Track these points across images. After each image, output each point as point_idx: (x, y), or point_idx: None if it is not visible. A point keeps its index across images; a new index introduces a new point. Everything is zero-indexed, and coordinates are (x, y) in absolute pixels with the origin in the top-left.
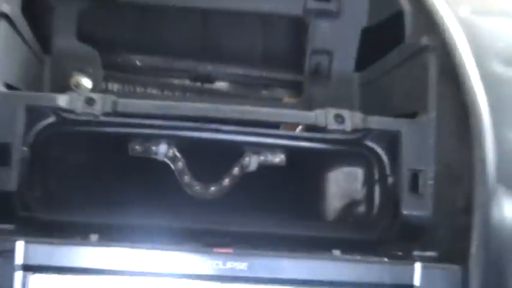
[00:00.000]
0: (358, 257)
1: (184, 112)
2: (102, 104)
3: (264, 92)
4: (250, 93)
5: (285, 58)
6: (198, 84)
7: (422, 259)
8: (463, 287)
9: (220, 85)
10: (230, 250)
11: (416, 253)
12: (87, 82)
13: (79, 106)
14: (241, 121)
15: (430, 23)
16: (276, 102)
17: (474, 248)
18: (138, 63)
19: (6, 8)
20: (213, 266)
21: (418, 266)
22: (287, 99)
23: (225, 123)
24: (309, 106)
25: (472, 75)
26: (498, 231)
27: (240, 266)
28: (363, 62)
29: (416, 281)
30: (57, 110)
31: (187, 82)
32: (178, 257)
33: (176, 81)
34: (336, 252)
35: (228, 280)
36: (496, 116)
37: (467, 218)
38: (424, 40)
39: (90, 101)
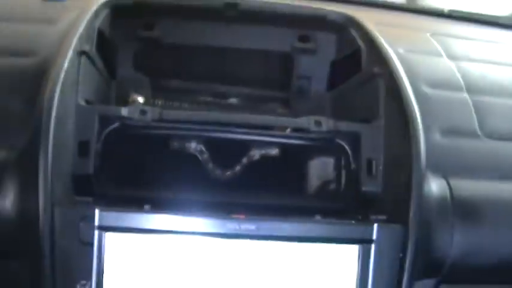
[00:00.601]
0: (333, 220)
1: (208, 119)
2: (151, 114)
3: (263, 106)
4: (254, 107)
5: (278, 82)
6: (217, 100)
7: (376, 221)
8: (404, 240)
9: (233, 100)
10: (243, 216)
11: (372, 217)
12: (140, 99)
13: (136, 115)
14: (248, 125)
15: (379, 57)
16: (272, 113)
17: (412, 212)
18: (175, 85)
19: (86, 48)
20: (230, 228)
21: (375, 225)
22: (280, 110)
23: (237, 127)
24: (295, 115)
25: (408, 94)
26: (426, 201)
27: (250, 227)
28: (333, 84)
29: (373, 236)
30: (120, 118)
31: (209, 99)
32: (205, 221)
33: (201, 98)
34: (318, 217)
35: (242, 237)
36: (425, 121)
37: (407, 192)
38: (375, 69)
39: (143, 112)
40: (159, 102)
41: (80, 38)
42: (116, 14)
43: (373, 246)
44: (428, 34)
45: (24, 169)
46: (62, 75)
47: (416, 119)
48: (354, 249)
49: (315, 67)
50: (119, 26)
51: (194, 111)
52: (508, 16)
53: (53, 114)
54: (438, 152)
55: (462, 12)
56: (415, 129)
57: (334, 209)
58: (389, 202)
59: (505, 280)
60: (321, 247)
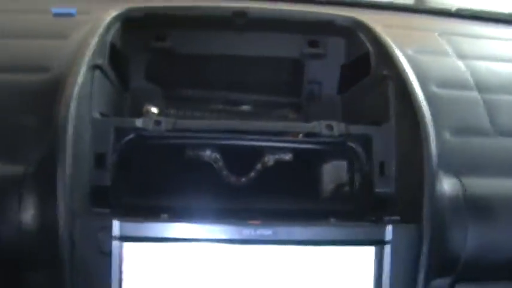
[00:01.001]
0: (348, 223)
1: (221, 128)
2: (165, 124)
3: (275, 111)
4: (266, 113)
5: (289, 87)
6: (230, 107)
7: (391, 221)
8: (419, 239)
9: (245, 107)
10: (258, 222)
11: (386, 218)
12: (154, 109)
13: (150, 126)
14: (260, 132)
15: (388, 60)
16: (284, 118)
17: (425, 212)
18: (188, 94)
19: (98, 62)
20: (247, 234)
21: (389, 226)
22: (291, 116)
23: (250, 134)
24: (307, 120)
25: (418, 95)
26: (439, 200)
27: (266, 232)
28: (343, 87)
29: (388, 237)
30: (135, 130)
31: (221, 106)
32: (221, 228)
33: (214, 106)
34: (332, 220)
35: (258, 243)
36: (436, 121)
37: (420, 192)
38: (384, 72)
39: (157, 123)
40: (172, 112)
41: (93, 53)
42: (127, 26)
43: (388, 247)
44: (436, 34)
45: (43, 182)
46: (77, 90)
47: (426, 119)
48: (369, 251)
49: (325, 71)
50: (131, 38)
51: (207, 119)
52: None
53: (70, 128)
54: (450, 152)
55: (469, 10)
56: (426, 130)
57: (349, 212)
58: (402, 203)
59: None
60: (337, 250)
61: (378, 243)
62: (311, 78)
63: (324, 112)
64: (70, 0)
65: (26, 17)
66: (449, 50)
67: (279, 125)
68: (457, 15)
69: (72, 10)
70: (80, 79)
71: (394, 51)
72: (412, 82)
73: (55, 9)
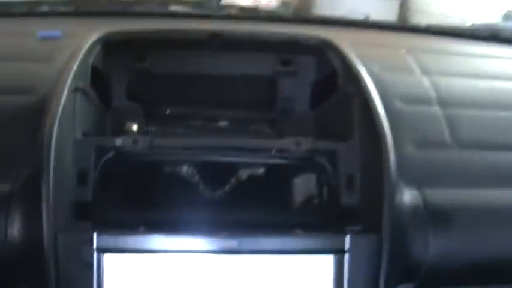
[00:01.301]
0: (309, 233)
1: (196, 145)
2: (143, 142)
3: (251, 127)
4: (243, 128)
5: (264, 103)
6: (208, 123)
7: (350, 231)
8: (378, 248)
9: (222, 123)
10: (225, 233)
11: (346, 228)
12: (135, 127)
13: (129, 144)
14: (234, 149)
15: (353, 78)
16: (259, 133)
17: (384, 221)
18: (167, 112)
19: (80, 84)
20: (215, 244)
21: (348, 236)
22: (266, 130)
23: (226, 150)
24: (281, 134)
25: (379, 111)
26: (400, 210)
27: (233, 243)
28: (314, 103)
29: (347, 246)
30: (115, 148)
31: (200, 122)
32: (191, 240)
33: (193, 123)
34: (298, 231)
35: (225, 253)
36: (398, 135)
37: (381, 202)
38: (349, 89)
39: (135, 141)
40: (153, 129)
41: (75, 76)
42: (108, 48)
43: (347, 255)
44: (403, 51)
45: (28, 199)
46: (59, 112)
47: (386, 133)
48: (329, 260)
49: (297, 88)
50: (112, 59)
51: (185, 136)
52: (482, 28)
53: (53, 148)
54: (412, 164)
55: (437, 26)
56: (386, 143)
57: (315, 223)
58: (366, 213)
59: (478, 281)
60: (299, 259)
61: (337, 252)
62: (284, 95)
63: (297, 127)
64: (56, 22)
65: (13, 40)
66: (415, 66)
67: (251, 142)
68: (426, 32)
69: (57, 33)
70: (63, 102)
71: (359, 70)
72: (374, 99)
73: (41, 33)
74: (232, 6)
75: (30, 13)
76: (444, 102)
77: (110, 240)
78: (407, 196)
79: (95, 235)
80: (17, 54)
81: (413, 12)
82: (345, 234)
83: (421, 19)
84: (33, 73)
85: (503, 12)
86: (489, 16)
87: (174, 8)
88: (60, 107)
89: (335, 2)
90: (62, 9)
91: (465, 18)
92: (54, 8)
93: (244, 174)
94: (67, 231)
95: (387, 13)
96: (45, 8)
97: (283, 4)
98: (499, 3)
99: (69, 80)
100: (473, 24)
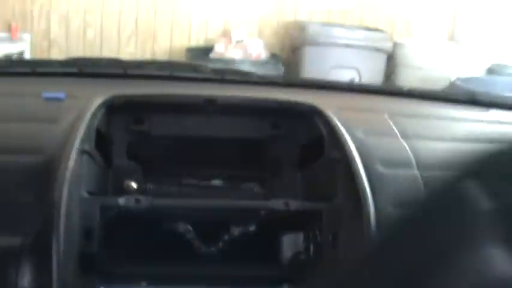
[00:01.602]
0: None
1: (193, 206)
2: (145, 202)
3: (243, 185)
4: (235, 187)
5: (255, 164)
6: (202, 181)
7: None
8: None
9: (216, 182)
10: None
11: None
12: (134, 185)
13: (131, 204)
14: (227, 209)
15: (338, 143)
16: (250, 192)
17: None
18: (164, 170)
19: (87, 147)
20: None
21: None
22: (257, 190)
23: (218, 211)
24: (271, 194)
25: (361, 176)
26: None
27: None
28: (303, 165)
29: None
30: (118, 207)
31: (194, 181)
32: None
33: (188, 181)
34: (285, 285)
35: None
36: (379, 198)
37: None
38: (334, 154)
39: (137, 201)
40: (151, 187)
41: (82, 139)
42: (111, 111)
43: None
44: (385, 115)
45: (39, 253)
46: (68, 174)
47: (366, 195)
48: None
49: (286, 150)
50: (113, 121)
51: (182, 197)
52: (461, 91)
53: (63, 207)
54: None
55: (419, 90)
56: (366, 205)
57: (303, 278)
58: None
59: None
60: None
61: None
62: (274, 156)
63: (286, 186)
64: (59, 82)
65: (18, 100)
66: (395, 130)
67: (242, 203)
68: (408, 95)
69: (61, 95)
70: (71, 164)
71: (343, 135)
72: (357, 164)
73: (45, 94)
74: (226, 70)
75: (34, 73)
76: (422, 165)
77: None
78: None
79: None
80: (23, 115)
81: (399, 66)
82: None
83: (406, 72)
84: (40, 134)
85: (488, 66)
86: (474, 70)
87: (171, 71)
88: (69, 169)
89: (323, 55)
90: (65, 69)
91: (450, 71)
92: (57, 69)
93: (236, 231)
94: (75, 285)
95: (375, 66)
96: (49, 69)
97: (273, 56)
98: (483, 57)
99: (77, 143)
100: (457, 79)
